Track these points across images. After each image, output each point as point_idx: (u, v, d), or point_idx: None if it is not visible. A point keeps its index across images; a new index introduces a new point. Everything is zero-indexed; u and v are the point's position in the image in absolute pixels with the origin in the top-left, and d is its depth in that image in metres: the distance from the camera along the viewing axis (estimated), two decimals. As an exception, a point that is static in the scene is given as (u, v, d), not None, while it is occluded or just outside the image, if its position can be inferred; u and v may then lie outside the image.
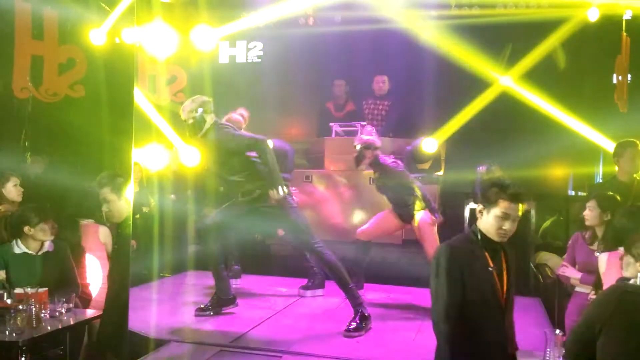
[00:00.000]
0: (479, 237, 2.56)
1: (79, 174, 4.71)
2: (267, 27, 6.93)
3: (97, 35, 5.87)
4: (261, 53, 7.41)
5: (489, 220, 2.52)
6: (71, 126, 5.53)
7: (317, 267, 4.79)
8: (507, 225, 2.49)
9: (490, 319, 2.60)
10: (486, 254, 2.59)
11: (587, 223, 3.59)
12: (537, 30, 5.95)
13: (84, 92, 5.83)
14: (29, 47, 5.73)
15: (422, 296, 5.04)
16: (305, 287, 5.03)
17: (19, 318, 2.89)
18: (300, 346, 3.66)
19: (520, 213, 2.51)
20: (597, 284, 3.25)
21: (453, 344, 2.56)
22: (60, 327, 3.12)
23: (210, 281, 5.20)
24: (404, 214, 4.94)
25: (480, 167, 5.21)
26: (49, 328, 3.06)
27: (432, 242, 4.76)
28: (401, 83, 6.52)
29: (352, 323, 3.94)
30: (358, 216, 5.48)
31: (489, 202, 2.52)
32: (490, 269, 2.56)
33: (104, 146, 5.03)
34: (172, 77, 7.07)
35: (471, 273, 2.57)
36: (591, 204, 3.56)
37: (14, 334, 2.87)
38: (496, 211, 2.49)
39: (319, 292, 5.01)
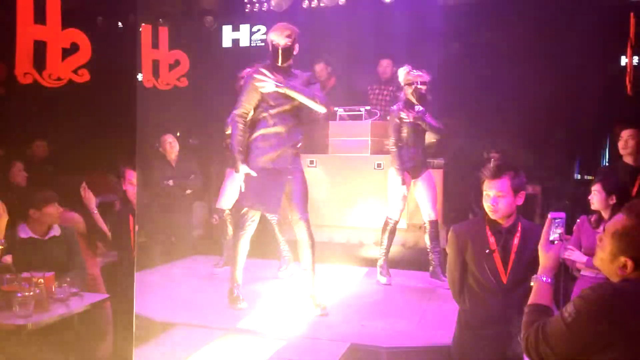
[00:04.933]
0: (485, 219, 2.69)
1: (82, 158, 4.72)
2: (270, 10, 6.88)
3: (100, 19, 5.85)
4: (265, 37, 7.35)
5: (483, 200, 2.66)
6: (75, 111, 5.52)
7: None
8: (491, 201, 2.60)
9: (488, 301, 2.64)
10: (490, 235, 2.64)
11: (593, 207, 3.58)
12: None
13: (89, 77, 5.80)
14: (31, 32, 5.69)
15: (426, 280, 5.06)
16: (281, 270, 5.13)
17: (26, 302, 2.91)
18: (306, 330, 3.68)
19: (502, 188, 2.57)
20: None
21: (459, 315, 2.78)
22: (67, 311, 3.14)
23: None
24: (417, 167, 4.85)
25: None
26: (56, 312, 3.08)
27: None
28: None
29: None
30: (363, 201, 5.46)
31: (482, 184, 2.67)
32: (488, 251, 2.61)
33: (107, 130, 5.02)
34: (175, 61, 7.04)
35: (471, 254, 2.70)
36: (596, 187, 3.55)
37: (21, 318, 2.89)
38: (484, 190, 2.64)
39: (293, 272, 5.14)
